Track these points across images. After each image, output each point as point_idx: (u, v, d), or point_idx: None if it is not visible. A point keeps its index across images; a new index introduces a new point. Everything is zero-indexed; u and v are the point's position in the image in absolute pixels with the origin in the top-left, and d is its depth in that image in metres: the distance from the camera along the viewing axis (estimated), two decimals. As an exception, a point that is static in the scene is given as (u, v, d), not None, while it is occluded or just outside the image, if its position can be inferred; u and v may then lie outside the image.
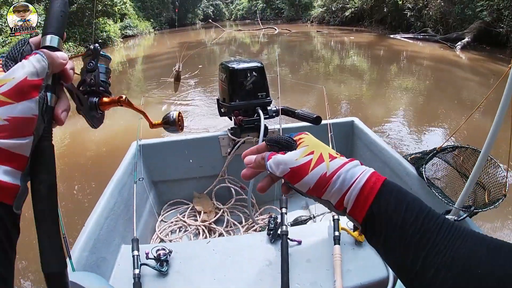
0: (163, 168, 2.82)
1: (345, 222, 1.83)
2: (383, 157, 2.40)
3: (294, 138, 0.63)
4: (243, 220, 2.67)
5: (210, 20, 39.92)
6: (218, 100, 2.69)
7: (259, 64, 2.47)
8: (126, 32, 28.50)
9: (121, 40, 25.85)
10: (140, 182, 2.50)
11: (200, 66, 12.21)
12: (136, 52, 22.46)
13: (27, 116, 0.48)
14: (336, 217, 1.80)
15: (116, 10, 24.52)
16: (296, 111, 2.43)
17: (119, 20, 27.88)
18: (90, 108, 0.63)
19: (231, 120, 2.71)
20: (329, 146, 1.75)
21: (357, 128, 2.81)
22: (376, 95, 7.76)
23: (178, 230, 2.62)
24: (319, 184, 0.55)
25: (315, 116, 2.31)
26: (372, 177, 0.53)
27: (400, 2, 17.47)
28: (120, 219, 2.18)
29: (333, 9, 25.36)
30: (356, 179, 0.54)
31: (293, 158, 0.58)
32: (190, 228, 2.58)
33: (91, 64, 0.63)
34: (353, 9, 22.99)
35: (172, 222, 2.67)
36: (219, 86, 2.65)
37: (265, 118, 2.40)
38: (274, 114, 2.51)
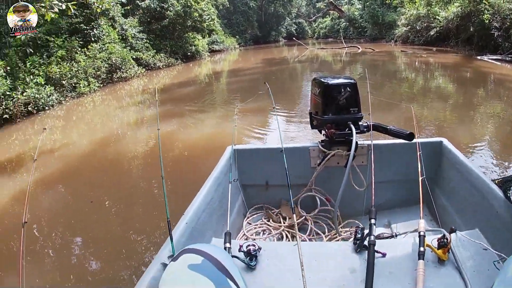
0: (253, 173, 2.97)
1: (430, 240, 1.82)
2: (471, 178, 2.35)
3: None
4: (326, 230, 2.73)
5: (294, 38, 40.43)
6: (310, 113, 2.83)
7: (352, 81, 2.58)
8: (213, 47, 30.03)
9: (208, 54, 27.26)
10: (235, 183, 2.66)
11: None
12: (222, 66, 23.56)
13: None
14: (422, 233, 1.79)
15: (205, 26, 25.72)
16: (388, 127, 2.48)
17: (207, 35, 29.48)
18: None
19: (320, 133, 2.82)
20: (417, 165, 1.96)
21: (446, 149, 2.77)
22: (462, 118, 7.55)
23: (262, 232, 2.75)
24: None
25: (408, 132, 2.37)
26: None
27: (487, 21, 16.50)
28: (214, 214, 2.38)
29: (418, 28, 24.53)
30: None
31: None
32: (274, 232, 2.70)
33: None
34: (438, 28, 22.12)
35: (257, 224, 2.82)
36: (312, 99, 2.78)
37: (356, 133, 2.47)
38: (365, 129, 2.57)
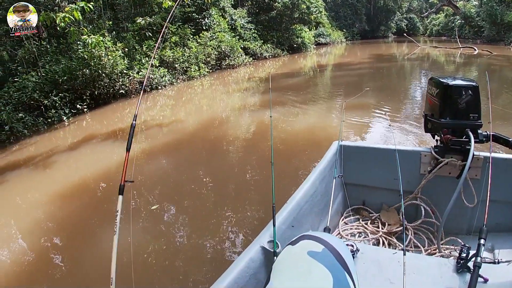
0: (357, 172, 2.87)
1: None
2: None
3: None
4: (426, 244, 2.54)
5: (405, 34, 38.14)
6: (425, 115, 2.60)
7: (474, 83, 2.34)
8: (319, 40, 29.47)
9: (314, 47, 26.81)
10: (338, 179, 2.66)
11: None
12: (327, 59, 22.97)
13: None
14: None
15: (312, 18, 25.38)
16: (510, 140, 2.29)
17: (314, 28, 29.04)
18: None
19: (433, 138, 2.63)
20: None
21: None
22: None
23: (358, 234, 2.65)
24: None
25: None
26: None
27: None
28: (315, 207, 2.37)
29: None
30: None
31: None
32: (370, 236, 2.59)
33: None
34: None
35: (353, 225, 2.73)
36: (428, 100, 2.59)
37: (474, 142, 2.24)
38: (484, 139, 2.35)
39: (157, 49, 10.50)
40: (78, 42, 9.32)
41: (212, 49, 15.30)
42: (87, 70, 9.09)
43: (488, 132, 2.36)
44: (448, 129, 2.39)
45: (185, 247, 3.41)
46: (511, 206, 2.54)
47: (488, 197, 2.03)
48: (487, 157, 2.39)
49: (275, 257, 1.62)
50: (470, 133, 2.27)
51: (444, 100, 2.37)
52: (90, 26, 10.78)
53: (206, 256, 3.21)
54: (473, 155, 2.24)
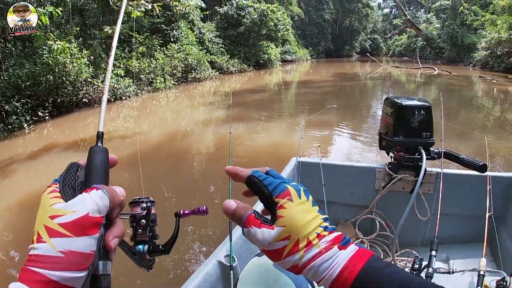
0: (314, 187, 2.84)
1: (489, 281, 1.78)
2: None
3: (276, 200, 0.54)
4: (382, 256, 2.57)
5: (368, 54, 39.55)
6: (380, 133, 2.69)
7: (427, 103, 2.45)
8: (285, 57, 30.20)
9: (280, 63, 27.38)
10: None
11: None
12: (292, 76, 23.48)
13: (85, 252, 0.47)
14: (482, 272, 1.73)
15: (279, 35, 26.00)
16: (460, 156, 2.35)
17: (280, 45, 29.68)
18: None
19: (388, 155, 2.71)
20: (485, 200, 1.88)
21: None
22: None
23: None
24: (292, 269, 0.52)
25: (481, 164, 2.21)
26: (345, 270, 0.50)
27: None
28: None
29: (498, 53, 22.76)
30: (328, 272, 0.50)
31: (267, 240, 0.52)
32: None
33: (142, 222, 0.60)
34: (521, 54, 20.42)
35: None
36: (383, 119, 2.67)
37: (426, 159, 2.34)
38: (436, 156, 2.43)
39: (122, 59, 10.52)
40: (44, 47, 9.20)
41: (178, 62, 15.40)
42: (51, 77, 9.02)
43: (440, 150, 2.44)
44: (401, 147, 2.47)
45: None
46: (463, 219, 2.65)
47: (439, 210, 2.16)
48: (439, 172, 2.49)
49: (231, 271, 1.65)
50: (422, 151, 2.36)
51: (398, 119, 2.44)
52: (57, 31, 10.65)
53: (165, 270, 3.28)
54: (425, 171, 2.34)
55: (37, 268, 0.44)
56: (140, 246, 0.60)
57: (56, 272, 0.44)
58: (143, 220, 0.60)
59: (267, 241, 0.52)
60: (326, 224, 0.56)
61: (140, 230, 0.59)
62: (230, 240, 1.74)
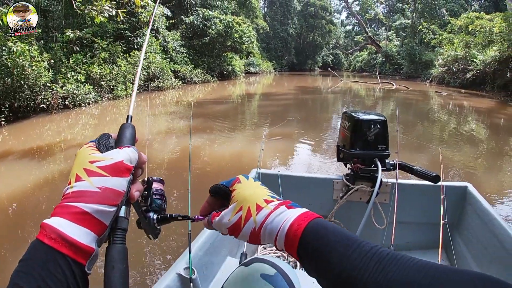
0: None
1: None
2: (493, 227, 2.31)
3: (230, 189, 0.69)
4: None
5: (330, 68, 40.67)
6: (338, 146, 2.77)
7: (382, 118, 2.55)
8: (249, 69, 30.57)
9: (244, 75, 27.64)
10: None
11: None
12: (256, 88, 23.75)
13: (117, 190, 0.56)
14: None
15: (244, 47, 26.19)
16: (414, 168, 2.45)
17: (244, 57, 29.98)
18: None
19: (346, 166, 2.79)
20: (440, 208, 2.02)
21: (470, 194, 2.70)
22: (491, 165, 7.26)
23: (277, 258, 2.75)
24: (253, 237, 0.62)
25: (434, 174, 2.32)
26: (295, 223, 0.58)
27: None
28: None
29: (454, 70, 24.23)
30: (280, 227, 0.59)
31: (226, 218, 0.65)
32: (288, 259, 2.63)
33: (145, 193, 0.73)
34: (474, 72, 21.77)
35: (272, 250, 2.78)
36: (341, 132, 2.75)
37: (382, 170, 2.44)
38: (391, 167, 2.53)
39: (83, 64, 10.30)
40: (3, 48, 8.90)
41: (141, 69, 15.11)
42: (9, 79, 8.73)
43: (395, 161, 2.53)
44: (358, 159, 2.55)
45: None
46: (419, 226, 2.76)
47: (394, 219, 2.24)
48: (394, 183, 2.61)
49: (191, 284, 1.65)
50: (378, 162, 2.44)
51: (355, 133, 2.51)
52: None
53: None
54: (381, 181, 2.39)
55: (73, 202, 0.52)
56: (151, 213, 0.72)
57: (91, 204, 0.52)
58: (145, 192, 0.72)
59: (227, 218, 0.64)
60: (274, 194, 0.67)
61: (140, 198, 0.71)
62: (190, 252, 1.73)
